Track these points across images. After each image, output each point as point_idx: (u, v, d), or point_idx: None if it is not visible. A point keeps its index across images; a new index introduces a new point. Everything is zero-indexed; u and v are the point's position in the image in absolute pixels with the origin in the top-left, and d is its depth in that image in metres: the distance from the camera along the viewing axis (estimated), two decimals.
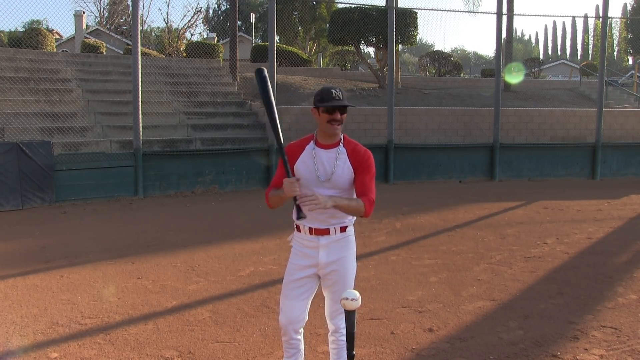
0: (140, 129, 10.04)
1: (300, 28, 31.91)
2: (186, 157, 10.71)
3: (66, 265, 5.77)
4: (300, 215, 2.65)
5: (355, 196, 2.82)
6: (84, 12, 29.50)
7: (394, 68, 13.01)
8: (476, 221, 8.18)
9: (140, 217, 8.48)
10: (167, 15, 70.48)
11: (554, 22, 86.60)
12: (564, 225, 7.86)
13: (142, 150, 10.07)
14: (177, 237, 7.08)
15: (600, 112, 13.20)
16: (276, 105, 2.88)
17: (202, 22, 40.48)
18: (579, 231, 7.42)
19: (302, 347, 3.03)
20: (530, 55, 50.44)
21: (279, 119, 2.81)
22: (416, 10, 16.00)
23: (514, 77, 17.82)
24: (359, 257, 6.15)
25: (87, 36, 26.05)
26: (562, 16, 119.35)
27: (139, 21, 10.75)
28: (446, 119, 13.07)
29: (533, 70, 26.38)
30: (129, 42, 20.17)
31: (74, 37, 27.07)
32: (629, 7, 40.11)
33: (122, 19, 38.35)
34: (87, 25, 31.68)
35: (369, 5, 17.04)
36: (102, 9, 39.09)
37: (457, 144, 12.88)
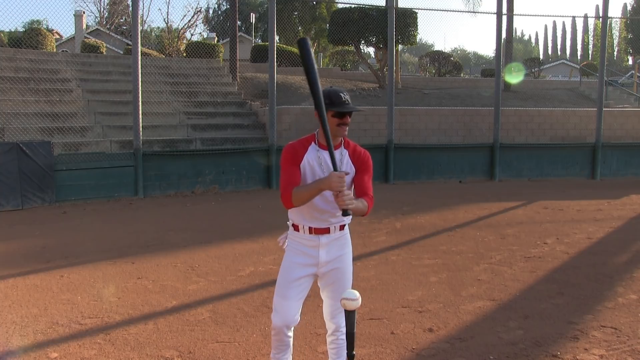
0: (140, 129, 10.04)
1: (300, 28, 31.90)
2: (186, 157, 10.71)
3: (66, 265, 5.77)
4: (347, 213, 2.56)
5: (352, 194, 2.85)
6: (84, 12, 29.49)
7: (394, 68, 13.00)
8: (476, 221, 8.18)
9: (140, 217, 8.48)
10: (167, 15, 70.41)
11: (554, 22, 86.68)
12: (564, 225, 7.85)
13: (142, 150, 10.07)
14: (177, 237, 7.08)
15: (600, 112, 13.20)
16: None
17: (202, 22, 40.46)
18: (579, 231, 7.41)
19: (291, 343, 3.05)
20: (530, 55, 50.41)
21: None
22: (416, 10, 16.04)
23: (514, 77, 17.82)
24: (358, 257, 6.18)
25: (87, 36, 26.05)
26: (562, 16, 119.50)
27: (139, 21, 10.75)
28: (446, 119, 13.07)
29: (533, 70, 26.39)
30: (129, 42, 20.17)
31: (74, 37, 27.07)
32: (629, 7, 40.14)
33: (122, 19, 38.33)
34: (87, 25, 31.67)
35: (369, 5, 17.06)
36: (102, 9, 39.11)
37: (457, 144, 12.88)
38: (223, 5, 43.21)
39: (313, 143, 2.81)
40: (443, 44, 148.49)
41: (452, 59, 24.87)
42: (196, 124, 11.94)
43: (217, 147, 11.23)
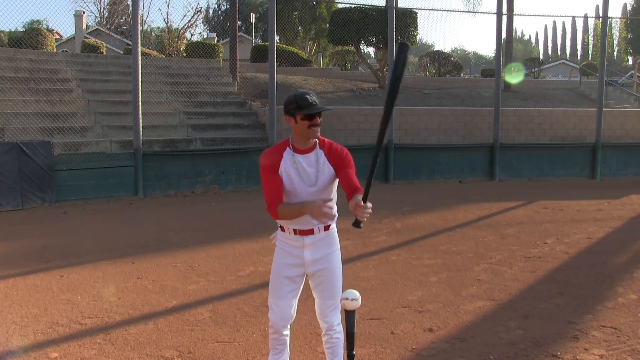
0: (140, 129, 10.04)
1: (300, 28, 31.90)
2: (186, 157, 10.71)
3: (66, 265, 5.77)
4: (359, 224, 2.62)
5: (334, 191, 2.89)
6: (84, 12, 29.51)
7: None
8: (476, 221, 8.18)
9: (140, 217, 8.48)
10: (167, 15, 70.42)
11: (554, 22, 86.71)
12: (564, 225, 7.85)
13: (142, 150, 10.07)
14: (177, 237, 7.08)
15: (600, 112, 13.20)
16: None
17: (202, 22, 40.49)
18: (579, 231, 7.42)
19: (288, 342, 3.08)
20: (530, 55, 50.42)
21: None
22: (416, 10, 16.02)
23: (514, 77, 17.81)
24: (358, 257, 6.18)
25: (87, 36, 26.05)
26: (562, 16, 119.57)
27: (139, 21, 10.74)
28: (446, 119, 13.07)
29: (533, 70, 26.37)
30: (129, 42, 20.18)
31: (74, 37, 27.08)
32: (629, 7, 40.15)
33: (122, 19, 38.33)
34: (87, 25, 31.68)
35: (369, 5, 17.06)
36: (102, 9, 39.11)
37: (457, 144, 12.88)
38: (223, 5, 43.23)
39: (288, 148, 2.83)
40: (443, 44, 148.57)
41: (452, 59, 24.84)
42: (196, 124, 11.94)
43: (217, 147, 11.22)
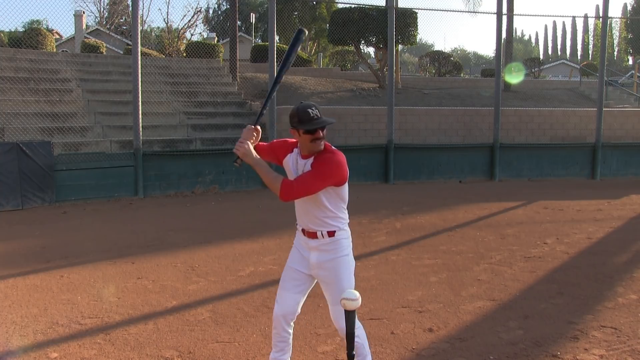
0: (140, 129, 10.04)
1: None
2: (186, 157, 10.71)
3: (66, 265, 5.77)
4: (235, 159, 2.95)
5: (328, 204, 2.87)
6: (84, 12, 29.49)
7: (394, 68, 13.00)
8: (476, 221, 8.18)
9: (140, 217, 8.48)
10: (167, 15, 70.36)
11: (554, 22, 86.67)
12: (564, 225, 7.85)
13: (142, 150, 10.07)
14: (177, 237, 7.08)
15: (600, 112, 13.20)
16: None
17: (202, 22, 40.46)
18: (579, 231, 7.42)
19: (291, 341, 3.10)
20: (530, 55, 50.40)
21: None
22: (416, 10, 16.01)
23: (514, 77, 17.81)
24: (358, 257, 6.15)
25: (87, 36, 26.04)
26: (562, 16, 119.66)
27: (139, 21, 10.75)
28: (446, 119, 13.07)
29: (533, 70, 26.36)
30: (129, 42, 20.16)
31: (74, 37, 27.06)
32: (629, 7, 40.15)
33: (122, 19, 38.32)
34: (87, 25, 31.67)
35: (369, 5, 17.03)
36: (102, 9, 39.09)
37: (457, 144, 12.88)
38: (223, 5, 43.18)
39: (296, 149, 2.95)
40: (443, 44, 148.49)
41: (452, 59, 24.85)
42: (196, 124, 11.94)
43: (217, 147, 11.22)
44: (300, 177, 2.80)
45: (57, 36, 27.53)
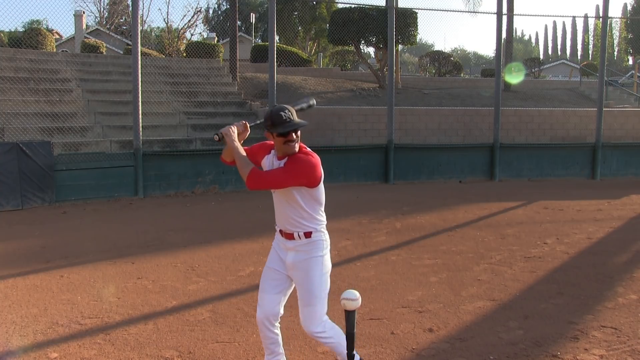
0: (140, 129, 10.04)
1: (300, 28, 31.90)
2: (186, 157, 10.71)
3: (66, 265, 5.77)
4: (217, 135, 3.04)
5: (304, 205, 2.91)
6: (83, 12, 29.48)
7: (394, 68, 13.00)
8: (476, 221, 8.18)
9: (140, 217, 8.48)
10: (167, 15, 70.36)
11: (554, 22, 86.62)
12: (564, 225, 7.85)
13: (142, 150, 10.07)
14: (177, 237, 7.08)
15: (600, 112, 13.20)
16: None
17: (202, 22, 40.47)
18: (579, 231, 7.42)
19: (280, 341, 3.14)
20: (530, 55, 50.39)
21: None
22: (416, 10, 16.00)
23: (514, 77, 17.80)
24: (358, 257, 6.17)
25: (87, 36, 26.03)
26: (562, 16, 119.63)
27: (139, 21, 10.74)
28: (446, 119, 13.07)
29: (533, 70, 26.36)
30: (129, 42, 20.16)
31: (74, 37, 27.06)
32: (629, 7, 40.15)
33: (122, 19, 38.31)
34: (87, 25, 31.66)
35: (369, 5, 17.01)
36: (102, 9, 39.08)
37: (457, 144, 12.88)
38: (223, 5, 43.19)
39: (273, 150, 3.03)
40: (443, 44, 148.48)
41: (452, 59, 24.83)
42: (196, 124, 11.93)
43: (217, 147, 11.20)
44: (271, 170, 2.90)
45: (57, 36, 27.53)
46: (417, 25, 16.10)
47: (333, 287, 4.97)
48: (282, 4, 24.97)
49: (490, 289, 5.01)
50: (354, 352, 3.00)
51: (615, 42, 51.47)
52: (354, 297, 2.95)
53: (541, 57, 60.08)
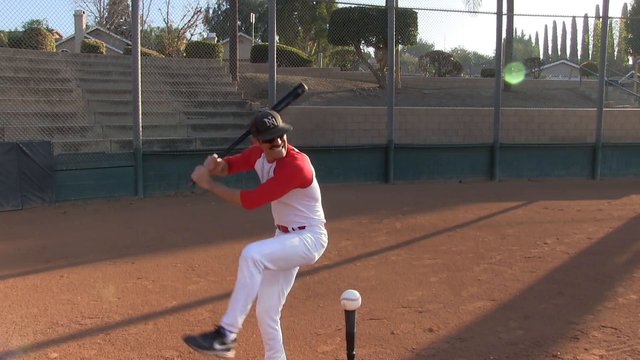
0: (140, 129, 10.04)
1: (300, 28, 31.89)
2: (186, 157, 10.70)
3: (66, 265, 5.77)
4: (190, 182, 3.16)
5: (298, 204, 2.99)
6: (83, 12, 29.48)
7: (394, 68, 13.00)
8: (476, 221, 8.18)
9: (140, 217, 8.48)
10: (167, 15, 70.43)
11: (554, 22, 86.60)
12: (564, 225, 7.85)
13: (142, 150, 10.07)
14: (177, 237, 7.08)
15: (600, 112, 13.20)
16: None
17: (202, 22, 40.50)
18: (579, 231, 7.41)
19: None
20: (530, 55, 50.37)
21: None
22: (416, 10, 16.00)
23: (514, 77, 17.80)
24: (359, 257, 6.17)
25: (87, 36, 26.04)
26: (562, 16, 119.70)
27: (139, 21, 10.75)
28: (446, 119, 13.07)
29: (533, 70, 26.36)
30: (129, 42, 20.15)
31: (74, 37, 27.05)
32: (629, 7, 40.16)
33: (122, 19, 38.32)
34: (87, 25, 31.66)
35: (369, 5, 17.02)
36: (102, 9, 39.08)
37: (457, 144, 12.88)
38: (223, 5, 43.18)
39: (263, 154, 3.09)
40: (443, 44, 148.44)
41: (452, 59, 24.83)
42: (196, 124, 11.93)
43: (217, 147, 11.20)
44: (262, 185, 2.95)
45: (57, 36, 27.52)
46: (417, 25, 16.10)
47: (333, 287, 5.00)
48: (282, 4, 24.96)
49: (490, 289, 5.01)
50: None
51: (615, 42, 51.44)
52: (354, 297, 2.95)
53: (541, 57, 60.07)
